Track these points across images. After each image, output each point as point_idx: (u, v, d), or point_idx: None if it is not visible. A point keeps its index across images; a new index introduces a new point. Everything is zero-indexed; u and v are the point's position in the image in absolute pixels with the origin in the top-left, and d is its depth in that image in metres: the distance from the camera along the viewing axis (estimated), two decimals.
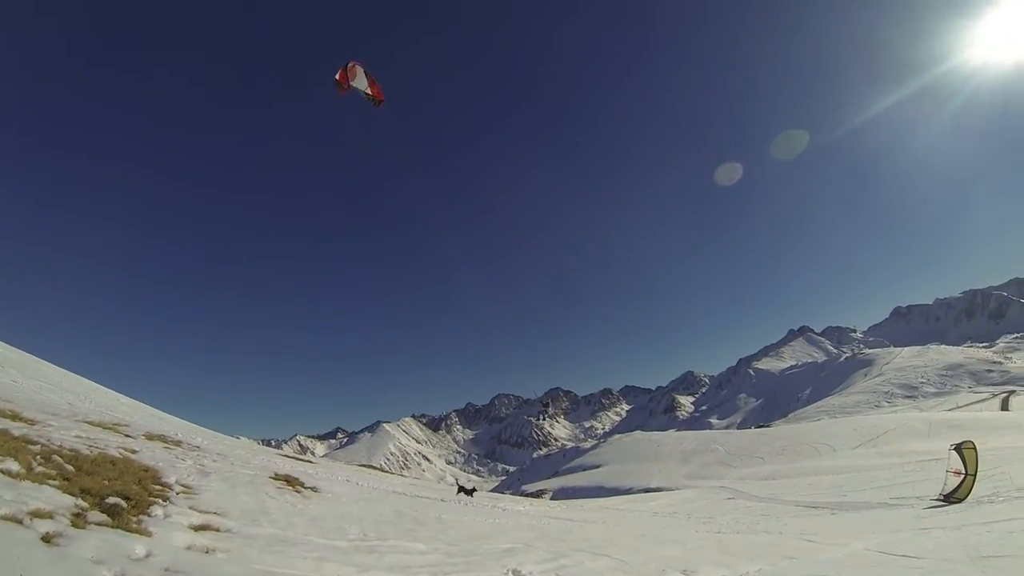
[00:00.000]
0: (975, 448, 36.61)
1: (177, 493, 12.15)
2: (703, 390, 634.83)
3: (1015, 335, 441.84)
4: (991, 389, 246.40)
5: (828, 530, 27.70)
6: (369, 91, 21.31)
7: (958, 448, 37.05)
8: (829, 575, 14.32)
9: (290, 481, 19.91)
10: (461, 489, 42.21)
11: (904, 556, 16.87)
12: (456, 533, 15.60)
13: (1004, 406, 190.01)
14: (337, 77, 20.52)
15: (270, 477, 19.72)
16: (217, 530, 9.83)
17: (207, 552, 8.26)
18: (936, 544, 19.53)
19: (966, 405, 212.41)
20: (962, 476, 35.29)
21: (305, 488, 19.41)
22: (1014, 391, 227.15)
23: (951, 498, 34.56)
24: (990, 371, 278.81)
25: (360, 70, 21.02)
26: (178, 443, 23.55)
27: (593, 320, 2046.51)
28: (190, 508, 10.90)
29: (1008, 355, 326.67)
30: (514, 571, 9.96)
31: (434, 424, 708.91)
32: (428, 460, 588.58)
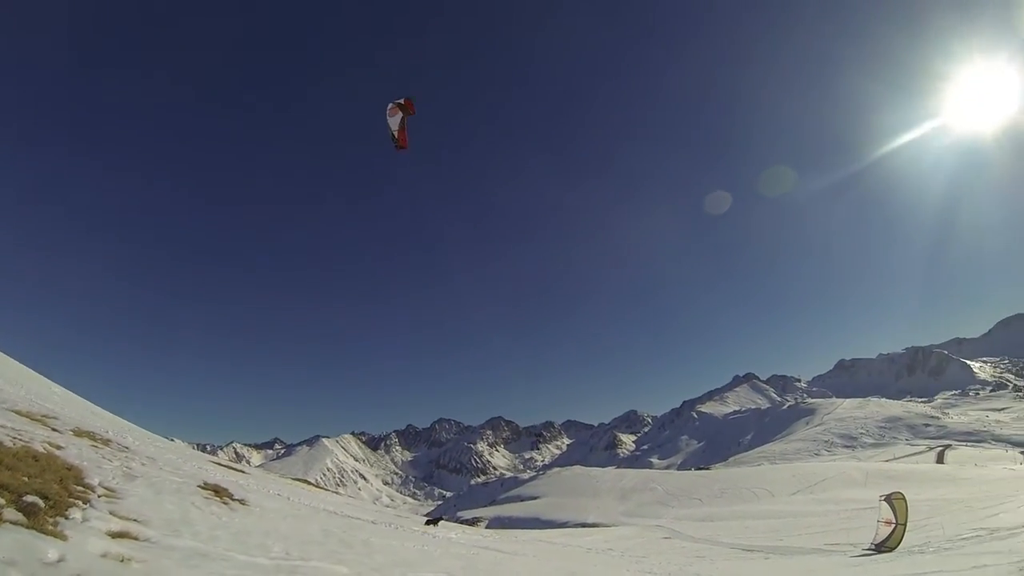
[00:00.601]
0: (904, 498, 37.16)
1: (99, 496, 11.81)
2: (645, 429, 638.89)
3: (953, 392, 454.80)
4: (928, 442, 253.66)
5: (759, 575, 28.00)
6: (397, 133, 21.54)
7: (888, 498, 37.58)
8: None
9: (219, 492, 19.45)
10: (430, 522, 41.86)
11: None
12: (382, 558, 15.36)
13: (939, 459, 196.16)
14: (403, 102, 21.21)
15: (198, 486, 19.25)
16: (136, 539, 9.55)
17: (122, 561, 8.04)
18: None
19: (903, 457, 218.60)
20: (893, 526, 35.77)
21: (233, 500, 18.98)
22: (950, 445, 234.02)
23: (882, 547, 35.02)
24: (928, 425, 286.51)
25: (400, 114, 21.46)
26: (107, 442, 22.92)
27: (539, 352, 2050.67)
28: (111, 513, 10.60)
29: (945, 411, 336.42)
30: None
31: (373, 443, 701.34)
32: (365, 479, 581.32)
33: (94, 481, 12.84)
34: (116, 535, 9.33)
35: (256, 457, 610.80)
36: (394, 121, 21.52)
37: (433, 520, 42.63)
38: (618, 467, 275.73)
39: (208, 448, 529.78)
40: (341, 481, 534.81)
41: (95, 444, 20.64)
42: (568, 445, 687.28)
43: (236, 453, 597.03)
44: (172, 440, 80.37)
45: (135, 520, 10.68)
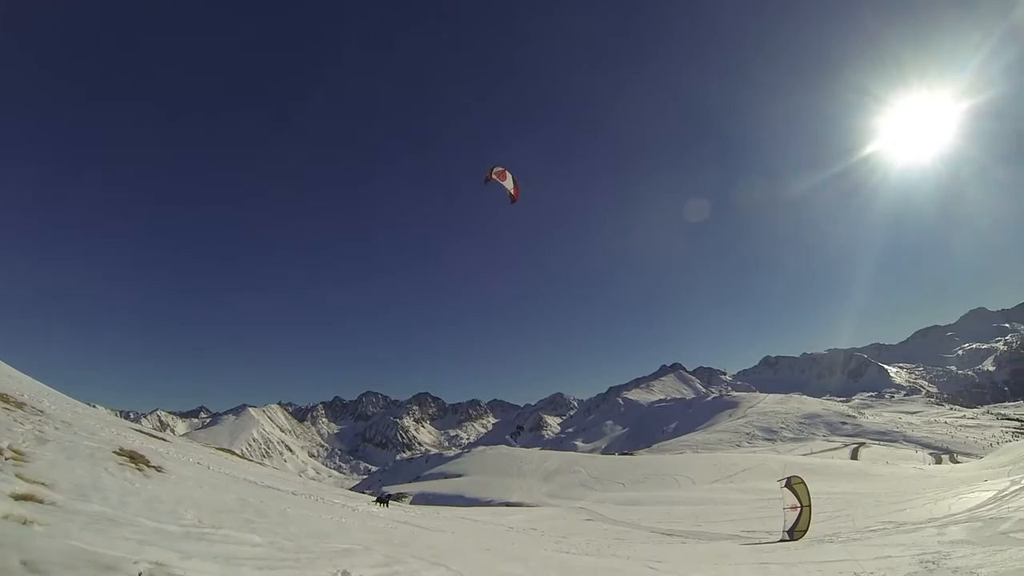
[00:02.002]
0: (804, 482, 38.16)
1: (6, 459, 11.55)
2: (571, 413, 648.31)
3: (870, 394, 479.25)
4: (843, 439, 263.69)
5: (674, 558, 28.65)
6: (512, 191, 27.62)
7: (788, 484, 38.44)
8: None
9: (134, 458, 19.03)
10: (380, 500, 41.66)
11: None
12: (297, 529, 15.35)
13: (854, 456, 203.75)
14: (501, 168, 27.38)
15: (113, 452, 18.84)
16: (41, 502, 9.36)
17: (24, 523, 7.89)
18: None
19: (819, 452, 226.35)
20: (798, 509, 36.43)
21: (149, 467, 18.60)
22: (864, 443, 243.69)
23: (794, 532, 35.65)
24: (844, 423, 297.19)
25: (509, 175, 27.50)
26: (21, 405, 22.25)
27: (467, 329, 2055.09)
28: (17, 476, 10.38)
29: (862, 411, 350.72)
30: (344, 572, 9.88)
31: (300, 414, 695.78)
32: (291, 451, 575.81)
33: (2, 444, 12.55)
34: (20, 497, 9.14)
35: (181, 426, 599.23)
36: (508, 183, 27.49)
37: (383, 499, 42.41)
38: (543, 449, 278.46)
39: (132, 416, 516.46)
40: (267, 452, 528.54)
41: (7, 407, 20.01)
42: (494, 424, 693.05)
43: (160, 421, 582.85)
44: (94, 407, 78.04)
45: (42, 484, 10.47)
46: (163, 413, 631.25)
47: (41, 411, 23.20)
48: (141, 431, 43.82)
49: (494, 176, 27.37)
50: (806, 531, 35.52)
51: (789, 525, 36.61)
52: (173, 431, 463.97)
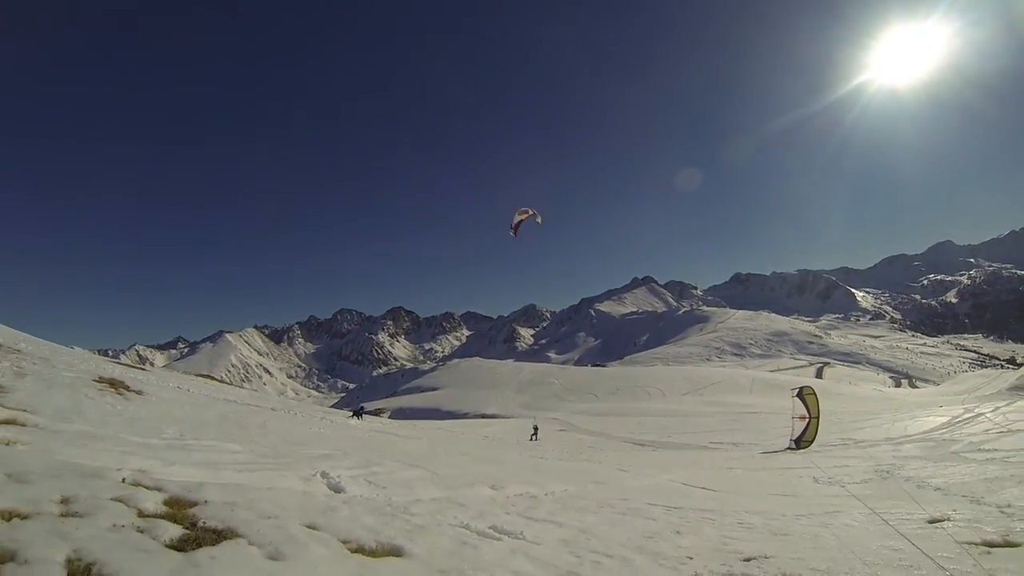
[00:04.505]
0: (815, 392, 39.01)
1: None
2: (544, 324, 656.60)
3: (836, 315, 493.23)
4: (809, 358, 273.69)
5: (644, 463, 29.92)
6: (538, 219, 30.51)
7: (799, 394, 39.05)
8: (628, 498, 15.50)
9: (114, 384, 19.42)
10: (355, 413, 43.03)
11: (702, 488, 18.76)
12: (276, 438, 15.95)
13: (818, 375, 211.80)
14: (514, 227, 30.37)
15: (93, 380, 19.18)
16: (23, 425, 9.66)
17: (7, 444, 8.18)
18: (734, 481, 21.83)
19: (786, 369, 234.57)
20: (807, 420, 37.32)
21: (129, 391, 19.02)
22: (828, 363, 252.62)
23: (801, 441, 36.38)
24: (811, 343, 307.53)
25: (528, 210, 30.27)
26: None
27: (440, 241, 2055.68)
28: None
29: (828, 332, 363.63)
30: (323, 473, 10.41)
31: (276, 336, 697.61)
32: (269, 373, 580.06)
33: None
34: (2, 422, 9.41)
35: (160, 359, 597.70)
36: (529, 215, 30.21)
37: (358, 412, 43.88)
38: (516, 360, 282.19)
39: (111, 352, 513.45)
40: (246, 376, 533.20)
41: None
42: (467, 336, 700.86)
43: (139, 356, 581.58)
44: (72, 348, 77.07)
45: (23, 410, 10.76)
46: (141, 347, 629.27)
47: (18, 350, 23.32)
48: (119, 364, 44.03)
49: (519, 219, 30.35)
50: (812, 441, 36.35)
51: (796, 434, 37.43)
52: (152, 364, 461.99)
